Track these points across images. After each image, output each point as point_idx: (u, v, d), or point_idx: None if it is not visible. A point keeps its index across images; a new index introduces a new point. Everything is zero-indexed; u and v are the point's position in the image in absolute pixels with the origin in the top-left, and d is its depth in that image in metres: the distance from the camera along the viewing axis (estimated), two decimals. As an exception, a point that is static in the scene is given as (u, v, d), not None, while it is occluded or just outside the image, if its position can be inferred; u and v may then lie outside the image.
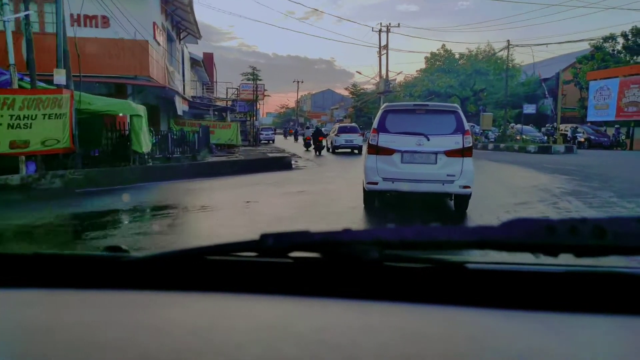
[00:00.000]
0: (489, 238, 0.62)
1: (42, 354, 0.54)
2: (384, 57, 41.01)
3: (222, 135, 27.10)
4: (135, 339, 0.57)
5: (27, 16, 9.70)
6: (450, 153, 6.20)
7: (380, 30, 40.78)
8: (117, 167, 10.94)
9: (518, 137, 25.88)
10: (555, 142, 22.68)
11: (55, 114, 9.47)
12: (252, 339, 0.55)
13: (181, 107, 22.08)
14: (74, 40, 10.59)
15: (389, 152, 6.34)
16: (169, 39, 24.56)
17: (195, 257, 0.77)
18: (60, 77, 9.74)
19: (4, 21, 9.11)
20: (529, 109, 26.56)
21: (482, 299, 0.66)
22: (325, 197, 8.81)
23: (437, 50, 30.41)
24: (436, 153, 6.22)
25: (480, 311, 0.63)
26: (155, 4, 19.10)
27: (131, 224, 6.45)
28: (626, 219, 0.58)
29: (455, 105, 7.14)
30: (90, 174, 9.76)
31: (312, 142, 23.00)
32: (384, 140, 6.40)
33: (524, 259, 0.68)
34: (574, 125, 28.67)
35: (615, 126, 27.99)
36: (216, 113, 34.57)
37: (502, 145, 23.64)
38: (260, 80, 54.57)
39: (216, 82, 43.20)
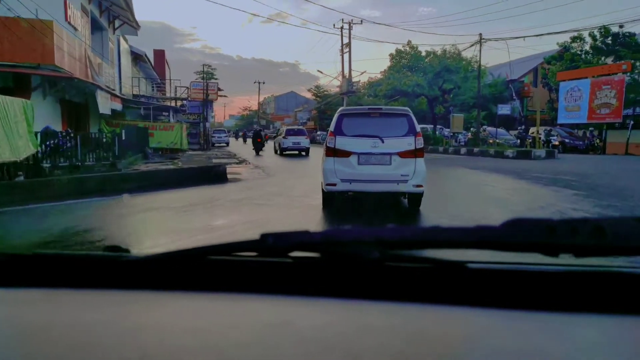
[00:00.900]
0: (489, 238, 0.63)
1: (41, 353, 0.54)
2: (346, 56, 38.65)
3: (164, 138, 23.81)
4: (135, 339, 0.57)
5: None
6: (403, 154, 6.44)
7: (342, 27, 38.41)
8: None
9: (491, 141, 23.93)
10: (533, 146, 20.75)
11: None
12: (252, 339, 0.56)
13: (108, 104, 18.72)
14: None
15: (346, 154, 6.52)
16: (97, 27, 21.15)
17: (196, 257, 0.76)
18: None
19: None
20: (504, 109, 24.68)
21: (482, 299, 0.65)
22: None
23: (403, 46, 28.27)
24: (390, 154, 6.44)
25: (480, 311, 0.63)
26: (68, -21, 15.74)
27: None
28: (626, 219, 0.59)
29: (407, 108, 7.32)
30: None
31: (252, 142, 24.12)
32: (341, 143, 6.55)
33: (524, 259, 0.69)
34: (547, 127, 27.03)
35: (590, 129, 26.56)
36: (165, 114, 31.11)
37: (475, 149, 21.52)
38: (215, 79, 51.36)
39: (169, 80, 39.45)
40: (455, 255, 0.69)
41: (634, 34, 29.54)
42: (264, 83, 75.81)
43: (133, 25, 24.34)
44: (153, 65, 35.49)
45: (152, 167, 13.38)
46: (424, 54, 27.69)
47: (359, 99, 40.27)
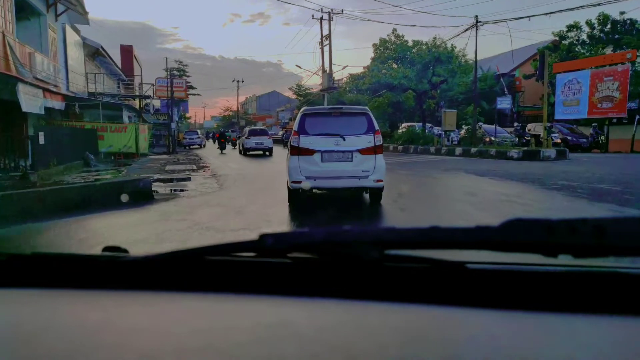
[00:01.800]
0: (489, 238, 0.63)
1: (41, 354, 0.54)
2: (326, 50, 35.88)
3: (116, 141, 20.72)
4: (134, 340, 0.57)
5: None
6: (364, 151, 6.73)
7: (321, 18, 35.61)
8: None
9: (487, 139, 21.39)
10: (539, 144, 18.22)
11: None
12: (251, 340, 0.56)
13: (40, 102, 15.62)
14: None
15: (309, 152, 6.76)
16: (31, 11, 18.00)
17: (195, 258, 0.76)
18: None
19: None
20: (504, 103, 22.10)
21: (482, 299, 0.65)
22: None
23: (387, 36, 25.54)
24: (352, 152, 6.74)
25: (480, 311, 0.63)
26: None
27: None
28: (626, 219, 0.59)
29: (366, 107, 7.84)
30: None
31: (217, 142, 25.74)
32: (305, 141, 6.78)
33: (524, 259, 0.69)
34: (547, 124, 24.61)
35: (593, 124, 24.23)
36: (132, 115, 27.90)
37: (473, 149, 18.89)
38: (187, 76, 48.15)
39: (140, 76, 36.06)
40: (454, 255, 0.69)
41: (637, 21, 27.37)
42: (242, 82, 72.89)
43: (79, 11, 21.21)
44: (114, 61, 32.17)
45: (67, 183, 10.36)
46: (410, 43, 25.03)
47: (340, 95, 37.52)
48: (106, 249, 0.85)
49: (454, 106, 31.30)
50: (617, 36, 27.82)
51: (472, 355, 0.51)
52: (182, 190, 9.63)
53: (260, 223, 5.89)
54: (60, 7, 20.25)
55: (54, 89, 18.18)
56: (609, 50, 27.96)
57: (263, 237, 0.69)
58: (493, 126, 22.72)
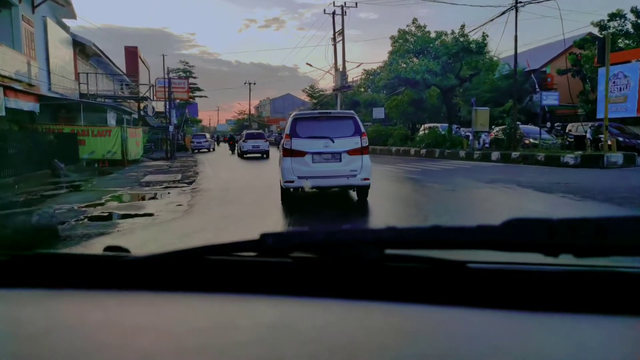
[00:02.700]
0: (489, 238, 0.63)
1: (41, 354, 0.54)
2: (339, 46, 33.16)
3: (99, 146, 18.28)
4: (135, 340, 0.57)
5: None
6: (351, 152, 7.23)
7: (333, 13, 32.90)
8: None
9: (527, 142, 18.29)
10: (600, 147, 15.11)
11: None
12: (252, 339, 0.56)
13: (0, 100, 13.23)
14: None
15: (301, 154, 7.20)
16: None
17: (196, 257, 0.76)
18: None
19: None
20: (549, 98, 18.91)
21: (482, 299, 0.65)
22: None
23: (407, 26, 22.61)
24: (340, 153, 7.23)
25: (481, 311, 0.62)
26: None
27: None
28: (626, 219, 0.59)
29: (352, 111, 8.24)
30: None
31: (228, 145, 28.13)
32: (297, 144, 7.23)
33: (524, 259, 0.69)
34: (592, 123, 21.36)
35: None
36: (128, 118, 25.58)
37: (514, 154, 15.82)
38: (193, 77, 45.95)
39: (134, 77, 33.78)
40: (455, 255, 0.69)
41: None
42: (254, 84, 70.84)
43: (59, 2, 18.84)
44: (112, 61, 29.93)
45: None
46: (433, 35, 22.03)
47: (354, 94, 34.63)
48: (108, 248, 0.83)
49: (479, 104, 28.23)
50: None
51: (473, 355, 0.51)
52: (125, 217, 6.90)
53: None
54: (38, -2, 17.95)
55: (25, 89, 15.83)
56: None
57: (264, 236, 0.69)
58: (530, 126, 19.61)
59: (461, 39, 20.15)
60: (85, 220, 6.64)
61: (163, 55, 35.18)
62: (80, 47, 25.06)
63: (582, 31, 32.55)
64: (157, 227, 6.16)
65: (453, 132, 21.91)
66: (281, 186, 7.60)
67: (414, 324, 0.60)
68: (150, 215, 7.01)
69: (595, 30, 28.78)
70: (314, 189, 7.85)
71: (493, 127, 23.16)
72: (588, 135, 20.17)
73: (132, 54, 43.45)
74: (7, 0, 16.10)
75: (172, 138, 26.36)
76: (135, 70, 38.95)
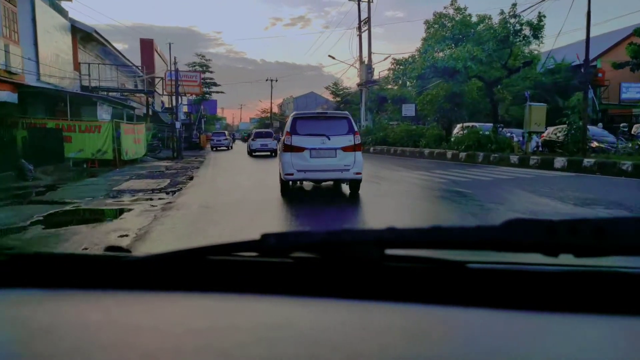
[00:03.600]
0: (489, 238, 0.63)
1: (42, 354, 0.54)
2: (365, 36, 30.18)
3: (87, 144, 15.89)
4: (135, 340, 0.57)
5: None
6: (345, 148, 8.09)
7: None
8: None
9: (594, 145, 15.04)
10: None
11: None
12: (252, 339, 0.56)
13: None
14: None
15: (300, 149, 8.03)
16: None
17: (196, 257, 0.76)
18: None
19: None
20: (630, 91, 15.58)
21: (482, 299, 0.65)
22: None
23: (445, 8, 19.50)
24: (335, 149, 8.05)
25: (481, 311, 0.63)
26: None
27: None
28: (626, 219, 0.59)
29: (346, 112, 9.17)
30: None
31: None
32: (296, 140, 8.08)
33: (524, 259, 0.69)
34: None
35: None
36: (134, 110, 23.30)
37: (586, 161, 12.63)
38: (209, 72, 43.75)
39: (139, 68, 31.65)
40: (455, 255, 0.70)
41: None
42: (276, 81, 68.84)
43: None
44: (120, 52, 27.82)
45: None
46: (475, 19, 18.90)
47: (381, 89, 31.54)
48: (108, 248, 0.84)
49: (518, 103, 24.91)
50: None
51: (473, 355, 0.52)
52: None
53: None
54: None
55: (2, 76, 13.58)
56: None
57: (265, 236, 0.69)
58: (596, 127, 16.32)
59: (512, 20, 16.94)
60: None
61: (169, 44, 32.81)
62: (82, 35, 22.96)
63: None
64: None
65: (499, 133, 18.69)
66: (281, 179, 8.50)
67: (414, 324, 0.60)
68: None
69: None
70: (311, 182, 8.75)
71: (546, 127, 19.81)
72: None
73: (147, 46, 41.56)
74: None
75: (179, 135, 23.98)
76: (151, 62, 36.95)
